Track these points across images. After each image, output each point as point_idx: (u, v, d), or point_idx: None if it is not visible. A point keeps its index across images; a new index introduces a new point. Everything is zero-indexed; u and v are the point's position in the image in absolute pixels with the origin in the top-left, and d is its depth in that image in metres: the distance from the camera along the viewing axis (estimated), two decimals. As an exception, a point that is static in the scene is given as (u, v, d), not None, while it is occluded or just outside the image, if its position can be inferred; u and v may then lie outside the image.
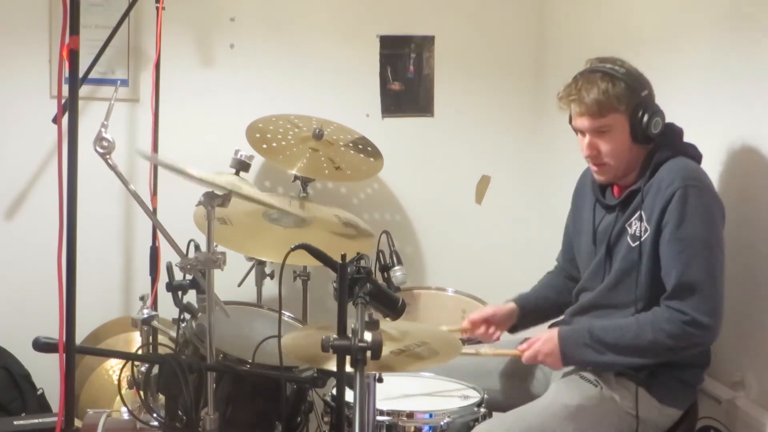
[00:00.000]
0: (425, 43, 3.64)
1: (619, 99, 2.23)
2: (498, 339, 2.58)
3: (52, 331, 1.93)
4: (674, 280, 2.18)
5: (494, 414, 2.33)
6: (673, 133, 2.32)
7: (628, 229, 2.30)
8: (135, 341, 3.15)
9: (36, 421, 2.92)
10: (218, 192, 2.24)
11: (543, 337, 2.32)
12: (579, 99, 2.25)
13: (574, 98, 2.27)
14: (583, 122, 2.28)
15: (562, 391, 2.29)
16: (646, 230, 2.25)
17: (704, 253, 2.17)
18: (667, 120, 2.33)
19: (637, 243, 2.26)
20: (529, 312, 2.59)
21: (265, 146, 3.16)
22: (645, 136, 2.25)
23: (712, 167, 2.47)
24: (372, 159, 3.31)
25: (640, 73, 2.30)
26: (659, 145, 2.28)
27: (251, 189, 2.39)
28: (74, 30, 1.79)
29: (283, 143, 3.20)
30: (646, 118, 2.23)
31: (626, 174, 2.34)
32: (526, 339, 2.40)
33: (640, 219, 2.26)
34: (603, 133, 2.27)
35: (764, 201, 2.32)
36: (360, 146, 3.33)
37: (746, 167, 2.37)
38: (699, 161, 2.31)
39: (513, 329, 2.61)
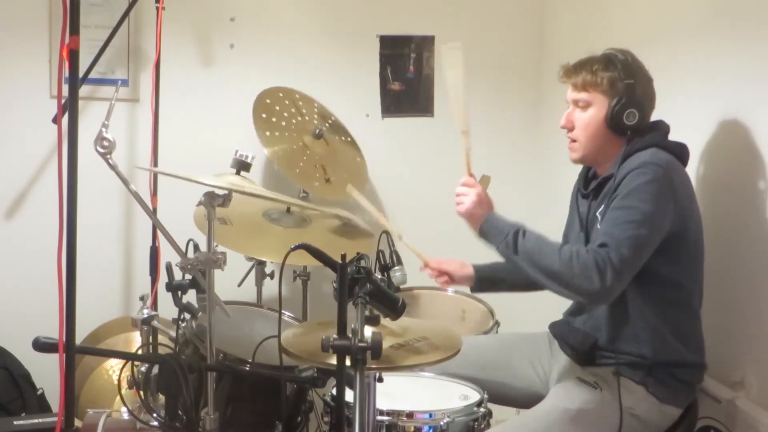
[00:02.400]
0: (425, 43, 3.64)
1: (603, 79, 2.29)
2: (445, 284, 2.85)
3: (52, 331, 1.93)
4: (600, 235, 2.17)
5: (493, 418, 2.32)
6: (656, 128, 2.33)
7: (599, 217, 2.31)
8: (135, 341, 3.15)
9: (36, 421, 2.91)
10: (219, 192, 2.24)
11: (480, 197, 2.43)
12: (573, 70, 2.36)
13: (569, 69, 2.38)
14: (568, 91, 2.38)
15: (562, 396, 2.29)
16: None
17: (637, 221, 2.14)
18: (664, 119, 2.35)
19: None
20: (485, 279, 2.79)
21: (268, 134, 3.16)
22: (617, 125, 2.28)
23: (710, 167, 2.48)
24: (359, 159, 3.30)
25: (640, 68, 2.32)
26: (639, 137, 2.29)
27: (255, 188, 2.39)
28: (74, 30, 1.79)
29: (286, 133, 3.19)
30: (620, 105, 2.26)
31: (598, 161, 2.38)
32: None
33: (608, 207, 2.26)
34: (582, 109, 2.34)
35: (762, 201, 2.32)
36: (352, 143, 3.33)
37: (745, 167, 2.37)
38: (682, 159, 2.29)
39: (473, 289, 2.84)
